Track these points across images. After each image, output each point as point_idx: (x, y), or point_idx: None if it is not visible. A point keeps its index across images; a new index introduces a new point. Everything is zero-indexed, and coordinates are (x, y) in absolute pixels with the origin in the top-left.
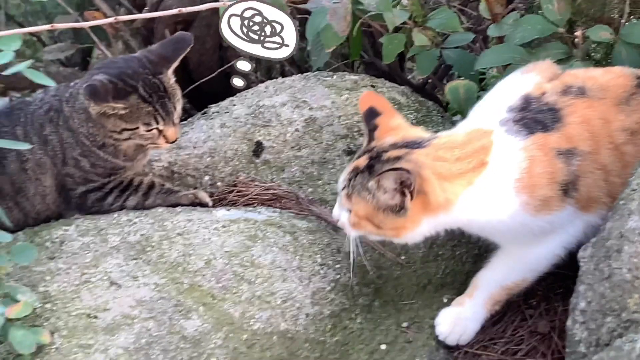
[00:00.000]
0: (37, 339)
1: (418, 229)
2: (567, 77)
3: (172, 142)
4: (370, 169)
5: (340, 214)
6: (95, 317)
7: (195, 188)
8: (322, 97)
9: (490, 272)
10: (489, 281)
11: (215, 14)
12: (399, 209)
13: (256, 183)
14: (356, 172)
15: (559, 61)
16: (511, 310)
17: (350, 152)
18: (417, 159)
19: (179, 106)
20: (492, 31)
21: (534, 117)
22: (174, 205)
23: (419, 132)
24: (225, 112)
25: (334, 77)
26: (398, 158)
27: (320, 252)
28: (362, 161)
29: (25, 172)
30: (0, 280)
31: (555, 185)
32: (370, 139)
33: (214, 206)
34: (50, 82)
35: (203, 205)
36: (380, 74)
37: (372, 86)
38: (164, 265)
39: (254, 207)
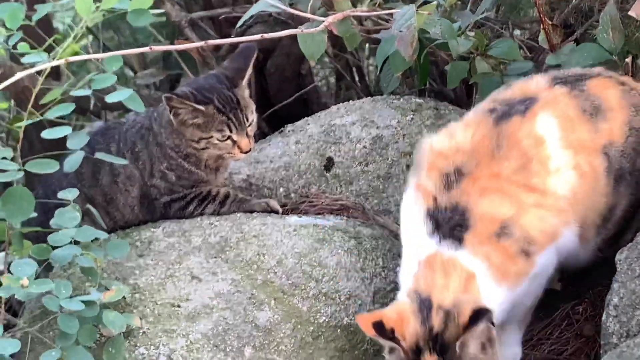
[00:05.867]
0: (128, 321)
1: None
2: None
3: (247, 153)
4: (445, 349)
5: None
6: (179, 306)
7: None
8: (389, 118)
9: None
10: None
11: (293, 44)
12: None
13: (326, 195)
14: None
15: None
16: (559, 315)
17: None
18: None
19: (251, 117)
20: (550, 60)
21: None
22: (249, 212)
23: (405, 303)
24: (300, 131)
25: (401, 100)
26: (447, 317)
27: (383, 256)
28: (430, 358)
29: (116, 185)
30: (97, 272)
31: None
32: (398, 342)
33: (287, 214)
34: (142, 108)
35: (274, 212)
36: (447, 103)
37: (436, 109)
38: (240, 263)
39: (324, 216)
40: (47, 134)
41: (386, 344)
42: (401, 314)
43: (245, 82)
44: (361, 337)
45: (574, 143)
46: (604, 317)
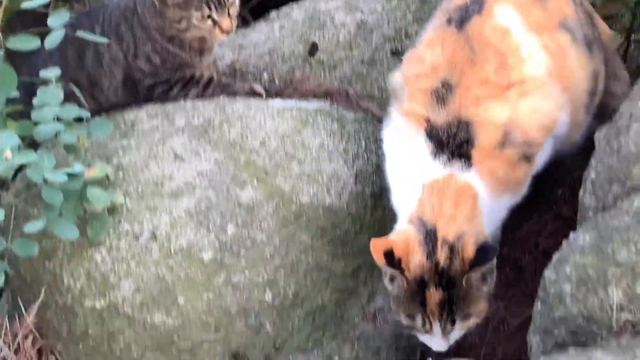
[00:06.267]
0: (111, 196)
1: None
2: None
3: (227, 33)
4: (451, 283)
5: (448, 340)
6: (162, 184)
7: None
8: (374, 3)
9: None
10: None
11: None
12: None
13: (310, 80)
14: (444, 301)
15: None
16: (539, 197)
17: (395, 53)
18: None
19: None
20: None
21: None
22: (233, 96)
23: (411, 232)
24: (285, 16)
25: None
26: (452, 251)
27: (365, 139)
28: (436, 293)
29: (101, 67)
30: (80, 150)
31: None
32: (403, 272)
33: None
34: None
35: (258, 96)
36: None
37: None
38: (223, 144)
39: (307, 100)
40: (25, 4)
41: (389, 271)
42: (407, 244)
43: None
44: (343, 217)
45: (534, 25)
46: (580, 193)
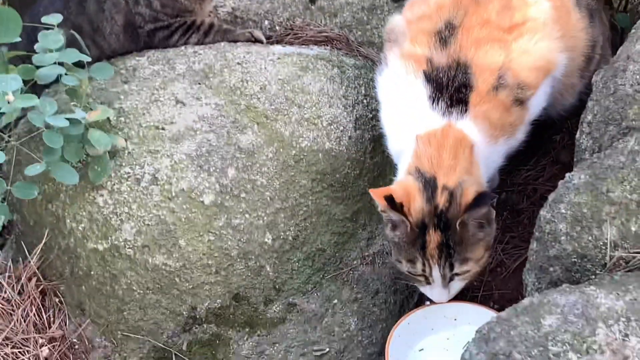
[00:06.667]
0: (113, 141)
1: None
2: None
3: None
4: (448, 225)
5: (448, 291)
6: (163, 128)
7: None
8: None
9: None
10: None
11: None
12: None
13: (311, 27)
14: (443, 244)
15: None
16: (536, 143)
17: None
18: (457, 180)
19: None
20: None
21: None
22: (233, 42)
23: (410, 181)
24: None
25: None
26: (451, 196)
27: (365, 84)
28: (435, 235)
29: (102, 12)
30: (81, 94)
31: None
32: (406, 216)
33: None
34: None
35: (258, 42)
36: None
37: None
38: (224, 89)
39: (308, 46)
40: None
41: (394, 216)
42: (408, 191)
43: None
44: (342, 161)
45: None
46: (577, 135)
